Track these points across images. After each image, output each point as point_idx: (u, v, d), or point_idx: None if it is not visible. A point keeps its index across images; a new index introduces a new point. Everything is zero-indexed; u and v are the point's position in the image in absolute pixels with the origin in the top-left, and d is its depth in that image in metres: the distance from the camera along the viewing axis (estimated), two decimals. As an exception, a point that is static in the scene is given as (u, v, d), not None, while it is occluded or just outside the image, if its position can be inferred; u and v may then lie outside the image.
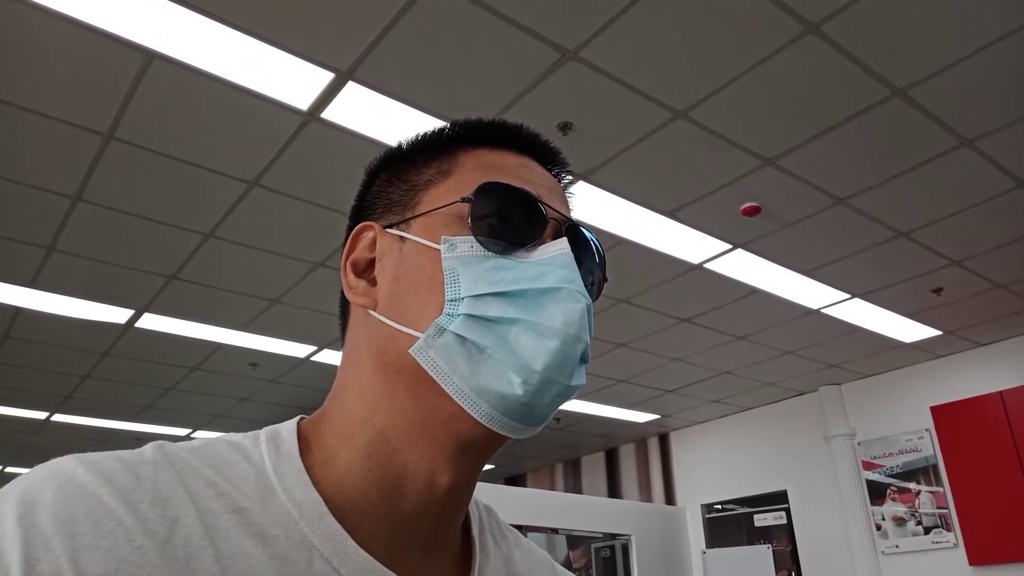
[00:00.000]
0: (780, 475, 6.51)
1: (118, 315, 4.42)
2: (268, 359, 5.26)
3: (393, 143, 0.61)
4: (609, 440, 7.92)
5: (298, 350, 5.13)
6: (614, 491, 8.04)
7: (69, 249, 3.64)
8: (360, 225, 0.57)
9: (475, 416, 0.48)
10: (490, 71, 2.62)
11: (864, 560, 5.71)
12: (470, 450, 0.51)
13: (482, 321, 0.49)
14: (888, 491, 5.78)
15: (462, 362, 0.49)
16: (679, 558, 6.90)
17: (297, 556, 0.46)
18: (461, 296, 0.50)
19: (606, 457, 8.30)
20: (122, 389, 5.82)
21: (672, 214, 3.59)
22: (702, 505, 7.10)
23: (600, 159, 3.14)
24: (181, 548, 0.42)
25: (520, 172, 0.56)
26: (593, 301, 0.54)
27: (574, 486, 8.53)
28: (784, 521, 6.44)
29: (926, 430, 5.62)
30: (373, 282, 0.55)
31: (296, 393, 6.04)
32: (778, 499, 6.52)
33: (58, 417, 6.46)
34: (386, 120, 2.81)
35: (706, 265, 4.10)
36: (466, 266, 0.51)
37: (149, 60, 2.48)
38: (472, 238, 0.52)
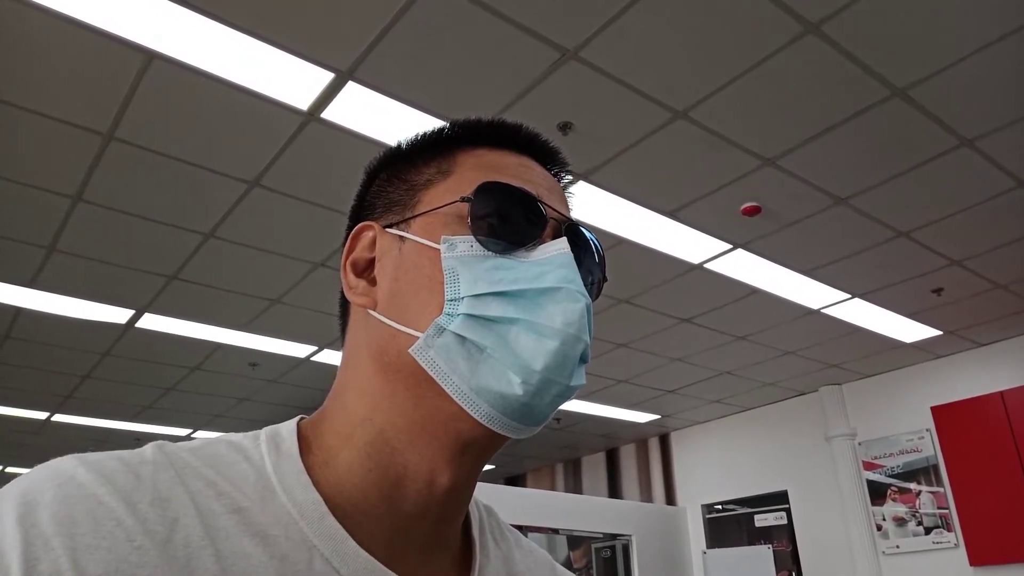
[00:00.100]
0: (781, 475, 6.51)
1: (118, 315, 4.42)
2: (268, 359, 5.26)
3: (393, 143, 0.61)
4: (610, 440, 7.92)
5: (298, 350, 5.13)
6: (614, 491, 8.04)
7: (69, 249, 3.64)
8: (360, 225, 0.57)
9: (475, 416, 0.48)
10: (490, 71, 2.62)
11: (865, 560, 5.71)
12: (470, 450, 0.51)
13: (482, 321, 0.49)
14: (889, 491, 5.78)
15: (462, 362, 0.49)
16: (680, 558, 6.90)
17: (297, 556, 0.46)
18: (461, 296, 0.50)
19: (606, 457, 8.29)
20: (122, 389, 5.82)
21: (672, 214, 3.59)
22: (703, 505, 7.10)
23: (600, 159, 3.14)
24: (181, 548, 0.42)
25: (520, 172, 0.56)
26: (593, 301, 0.54)
27: (574, 486, 8.53)
28: (785, 521, 6.44)
29: (927, 430, 5.62)
30: (373, 282, 0.55)
31: (296, 393, 6.04)
32: (779, 499, 6.51)
33: (58, 417, 6.46)
34: (386, 120, 2.81)
35: (706, 265, 4.10)
36: (466, 266, 0.51)
37: (149, 60, 2.48)
38: (472, 238, 0.52)
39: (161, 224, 3.46)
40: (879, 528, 5.77)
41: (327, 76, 2.59)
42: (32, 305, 4.23)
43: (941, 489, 5.49)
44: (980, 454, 5.18)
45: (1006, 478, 5.02)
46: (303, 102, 2.72)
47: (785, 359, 5.63)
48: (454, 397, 0.49)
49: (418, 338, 0.50)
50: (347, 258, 0.56)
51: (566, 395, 0.50)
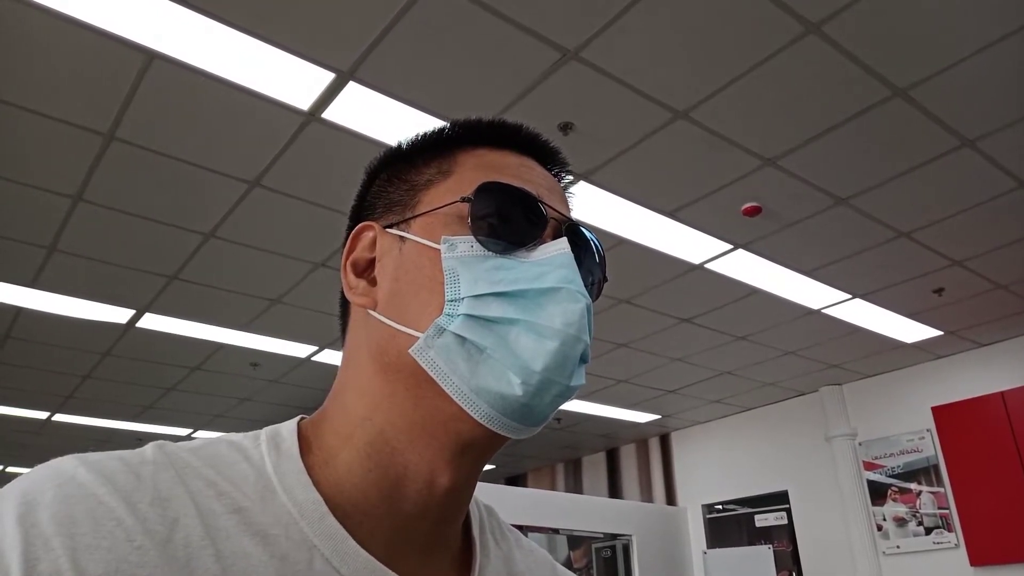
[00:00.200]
0: (781, 475, 6.51)
1: (119, 315, 4.42)
2: (269, 359, 5.26)
3: (393, 143, 0.61)
4: (610, 440, 7.92)
5: (299, 350, 5.13)
6: (615, 491, 8.04)
7: (70, 249, 3.65)
8: (360, 225, 0.57)
9: (475, 416, 0.48)
10: (490, 71, 2.62)
11: (865, 560, 5.70)
12: (470, 450, 0.51)
13: (482, 321, 0.49)
14: (889, 491, 5.78)
15: (462, 362, 0.49)
16: (680, 558, 6.90)
17: (297, 556, 0.46)
18: (461, 296, 0.50)
19: (607, 457, 8.29)
20: (123, 389, 5.82)
21: (672, 214, 3.59)
22: (703, 505, 7.10)
23: (600, 159, 3.14)
24: (181, 548, 0.43)
25: (520, 172, 0.56)
26: (593, 301, 0.54)
27: (575, 486, 8.52)
28: (785, 521, 6.44)
29: (927, 430, 5.62)
30: (373, 282, 0.55)
31: (297, 393, 6.04)
32: (779, 499, 6.51)
33: (59, 417, 6.47)
34: (386, 120, 2.81)
35: (707, 265, 4.10)
36: (466, 266, 0.51)
37: (149, 60, 2.48)
38: (472, 238, 0.52)
39: (161, 224, 3.46)
40: (879, 528, 5.77)
41: (328, 76, 2.59)
42: (32, 305, 4.23)
43: (941, 489, 5.49)
44: (981, 454, 5.18)
45: (1006, 478, 5.02)
46: (304, 102, 2.72)
47: (785, 359, 5.63)
48: (454, 397, 0.49)
49: (418, 338, 0.50)
50: (347, 258, 0.56)
51: (566, 395, 0.50)
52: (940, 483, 5.50)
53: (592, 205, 3.46)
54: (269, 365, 5.38)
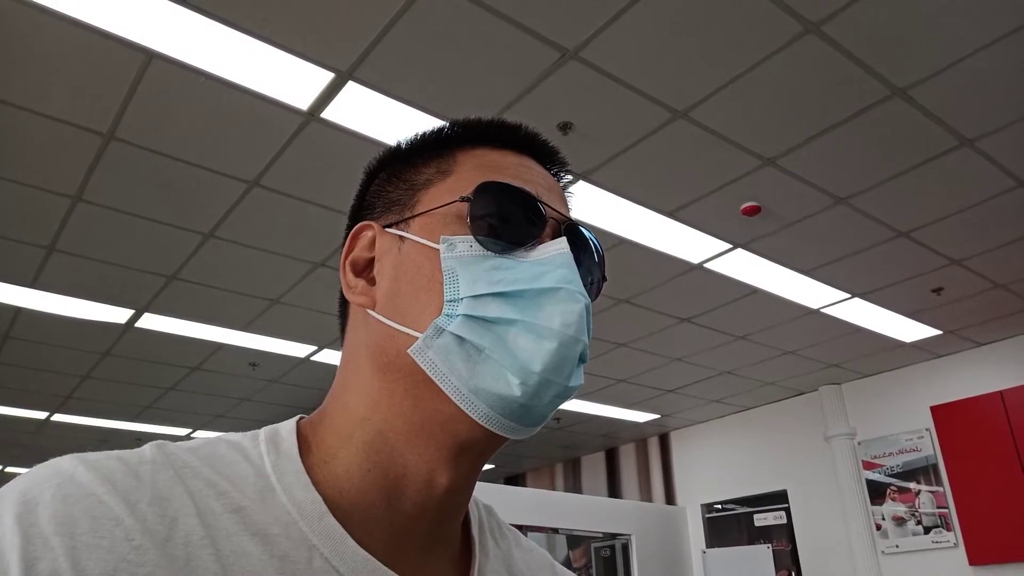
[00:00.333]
0: (780, 475, 6.51)
1: (118, 315, 4.42)
2: (268, 359, 5.26)
3: (392, 143, 0.61)
4: (609, 440, 7.92)
5: (298, 350, 5.13)
6: (614, 491, 8.04)
7: (69, 249, 3.65)
8: (359, 224, 0.57)
9: (473, 417, 0.48)
10: (490, 71, 2.62)
11: (864, 560, 5.71)
12: (469, 451, 0.51)
13: (481, 322, 0.49)
14: (888, 491, 5.78)
15: (460, 363, 0.49)
16: (679, 558, 6.90)
17: (297, 555, 0.46)
18: (460, 297, 0.50)
19: (606, 457, 8.29)
20: (122, 389, 5.82)
21: (672, 214, 3.59)
22: (702, 505, 7.10)
23: (600, 159, 3.14)
24: (181, 547, 0.43)
25: (519, 172, 0.56)
26: (592, 301, 0.54)
27: (574, 486, 8.53)
28: (784, 521, 6.44)
29: (926, 430, 5.62)
30: (372, 281, 0.55)
31: (296, 393, 6.04)
32: (778, 499, 6.52)
33: (58, 417, 6.46)
34: (386, 120, 2.81)
35: (706, 265, 4.10)
36: (465, 266, 0.51)
37: (149, 60, 2.48)
38: (471, 238, 0.52)
39: (161, 224, 3.46)
40: (878, 527, 5.77)
41: (327, 76, 2.59)
42: (32, 305, 4.23)
43: (940, 489, 5.49)
44: (980, 454, 5.18)
45: (1005, 478, 5.02)
46: (303, 102, 2.71)
47: (785, 359, 5.63)
48: (452, 398, 0.49)
49: (417, 338, 0.50)
50: (346, 257, 0.56)
51: (565, 396, 0.50)
52: (939, 482, 5.51)
53: (591, 205, 3.46)
54: (268, 365, 5.38)
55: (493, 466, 8.89)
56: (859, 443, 6.02)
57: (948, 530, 5.40)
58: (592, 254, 0.57)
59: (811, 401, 6.41)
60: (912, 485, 5.66)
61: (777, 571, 6.10)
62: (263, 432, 0.53)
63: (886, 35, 2.53)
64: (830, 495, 6.08)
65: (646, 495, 7.65)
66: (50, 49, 2.42)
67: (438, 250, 0.52)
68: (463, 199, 0.53)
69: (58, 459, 0.45)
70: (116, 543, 0.40)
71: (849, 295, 4.55)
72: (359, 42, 2.46)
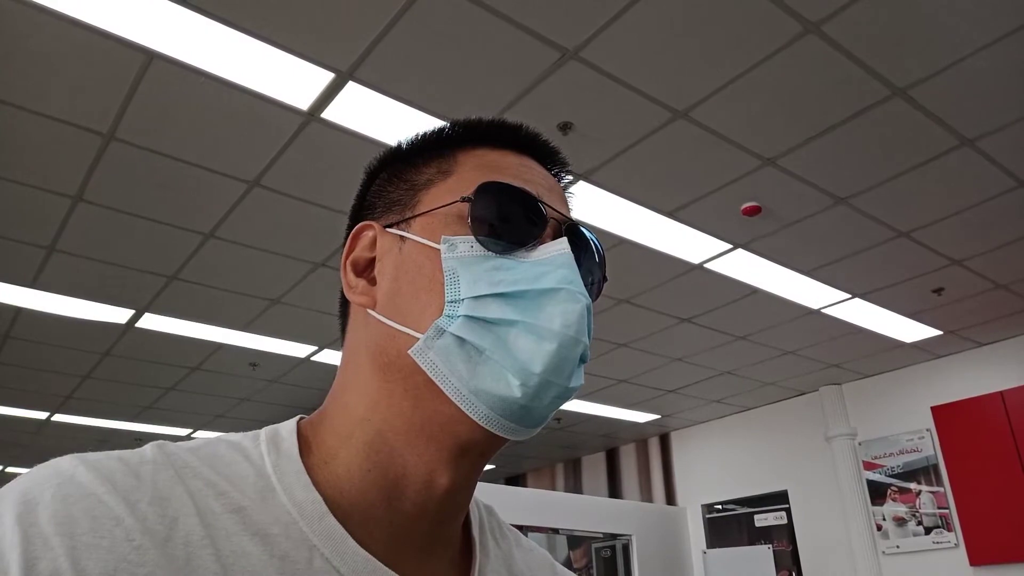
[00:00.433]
0: (781, 475, 6.51)
1: (118, 315, 4.42)
2: (268, 359, 5.26)
3: (393, 143, 0.61)
4: (610, 440, 7.92)
5: (298, 350, 5.13)
6: (614, 491, 8.04)
7: (70, 249, 3.65)
8: (360, 224, 0.57)
9: (473, 418, 0.48)
10: (490, 71, 2.62)
11: (865, 560, 5.71)
12: (469, 452, 0.51)
13: (481, 323, 0.49)
14: (889, 491, 5.78)
15: (461, 364, 0.49)
16: (679, 558, 6.90)
17: (297, 555, 0.46)
18: (461, 297, 0.50)
19: (607, 457, 8.29)
20: (122, 389, 5.82)
21: (672, 214, 3.59)
22: (703, 505, 7.10)
23: (600, 159, 3.14)
24: (181, 547, 0.43)
25: (520, 172, 0.56)
26: (593, 301, 0.54)
27: (574, 486, 8.53)
28: (785, 521, 6.44)
29: (927, 430, 5.62)
30: (373, 281, 0.55)
31: (296, 393, 6.04)
32: (779, 499, 6.51)
33: (58, 417, 6.46)
34: (386, 120, 2.81)
35: (706, 265, 4.10)
36: (466, 267, 0.51)
37: (149, 60, 2.48)
38: (472, 238, 0.52)
39: (161, 224, 3.46)
40: (879, 528, 5.77)
41: (327, 76, 2.59)
42: (32, 305, 4.23)
43: (941, 489, 5.49)
44: (980, 454, 5.18)
45: (1006, 478, 5.02)
46: (303, 102, 2.72)
47: (785, 359, 5.63)
48: (453, 399, 0.49)
49: (418, 339, 0.50)
50: (347, 257, 0.56)
51: (565, 396, 0.50)
52: (940, 483, 5.50)
53: (591, 205, 3.46)
54: (268, 365, 5.38)
55: (493, 466, 8.89)
56: (860, 443, 6.02)
57: (949, 530, 5.40)
58: (593, 254, 0.58)
59: (811, 401, 6.41)
60: (913, 485, 5.66)
61: (778, 571, 6.10)
62: (263, 432, 0.53)
63: (886, 35, 2.53)
64: (831, 495, 6.08)
65: (646, 495, 7.65)
66: (50, 49, 2.42)
67: (439, 250, 0.52)
68: (464, 199, 0.53)
69: (58, 459, 0.45)
70: (116, 543, 0.40)
71: (849, 295, 4.55)
72: (359, 42, 2.46)
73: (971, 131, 3.06)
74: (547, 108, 2.81)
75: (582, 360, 0.51)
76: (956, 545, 5.32)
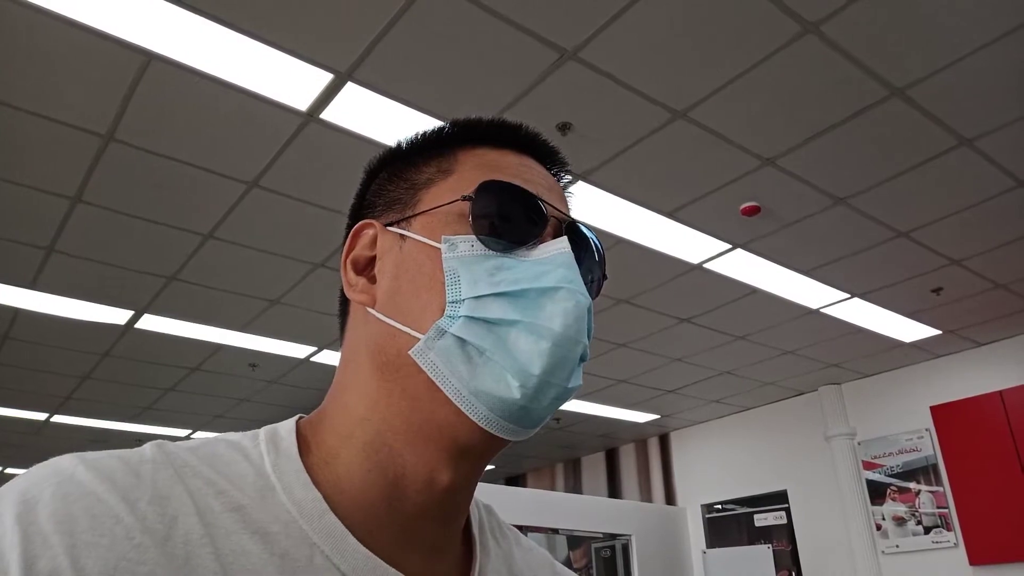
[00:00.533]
0: (780, 475, 6.51)
1: (118, 316, 4.42)
2: (268, 360, 5.26)
3: (392, 143, 0.61)
4: (609, 440, 7.92)
5: (298, 351, 5.13)
6: (614, 491, 8.04)
7: (69, 250, 3.64)
8: (360, 223, 0.57)
9: (473, 419, 0.48)
10: (490, 71, 2.62)
11: (864, 560, 5.71)
12: (468, 453, 0.51)
13: (482, 323, 0.49)
14: (888, 491, 5.78)
15: (462, 365, 0.49)
16: (679, 558, 6.90)
17: (297, 553, 0.46)
18: (462, 298, 0.50)
19: (606, 457, 8.29)
20: (122, 390, 5.81)
21: (671, 214, 3.59)
22: (702, 505, 7.10)
23: (600, 159, 3.14)
24: (180, 546, 0.43)
25: (520, 171, 0.57)
26: (593, 300, 0.54)
27: (574, 486, 8.52)
28: (784, 521, 6.44)
29: (926, 430, 5.63)
30: (373, 279, 0.55)
31: (296, 394, 6.04)
32: (778, 499, 6.52)
33: (58, 418, 6.46)
34: (386, 120, 2.81)
35: (706, 265, 4.10)
36: (467, 266, 0.51)
37: (149, 61, 2.48)
38: (473, 237, 0.52)
39: (161, 224, 3.46)
40: (879, 528, 5.77)
41: (326, 77, 2.59)
42: (32, 306, 4.23)
43: (940, 488, 5.49)
44: (979, 454, 5.19)
45: (1005, 478, 5.02)
46: (302, 103, 2.71)
47: (784, 359, 5.63)
48: (453, 399, 0.49)
49: (418, 339, 0.50)
50: (347, 256, 0.56)
51: (564, 397, 0.50)
52: (939, 482, 5.51)
53: (591, 205, 3.46)
54: (268, 366, 5.38)
55: (493, 466, 8.89)
56: (859, 443, 6.02)
57: (948, 530, 5.40)
58: (592, 252, 0.58)
59: (811, 401, 6.41)
60: (912, 485, 5.66)
61: (777, 571, 6.10)
62: (263, 432, 0.53)
63: (885, 35, 2.53)
64: (830, 495, 6.08)
65: (646, 495, 7.65)
66: (49, 50, 2.42)
67: (439, 249, 0.52)
68: (465, 198, 0.53)
69: (58, 458, 0.45)
70: (116, 541, 0.40)
71: (849, 295, 4.56)
72: (358, 43, 2.46)
73: (970, 131, 3.07)
74: (546, 108, 2.81)
75: (581, 360, 0.51)
76: (955, 545, 5.32)
